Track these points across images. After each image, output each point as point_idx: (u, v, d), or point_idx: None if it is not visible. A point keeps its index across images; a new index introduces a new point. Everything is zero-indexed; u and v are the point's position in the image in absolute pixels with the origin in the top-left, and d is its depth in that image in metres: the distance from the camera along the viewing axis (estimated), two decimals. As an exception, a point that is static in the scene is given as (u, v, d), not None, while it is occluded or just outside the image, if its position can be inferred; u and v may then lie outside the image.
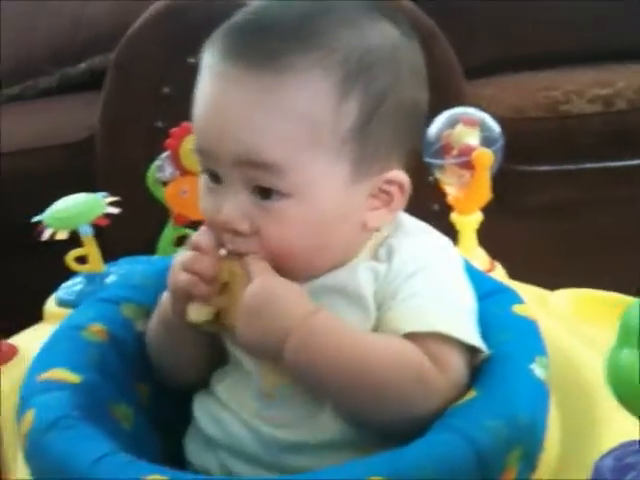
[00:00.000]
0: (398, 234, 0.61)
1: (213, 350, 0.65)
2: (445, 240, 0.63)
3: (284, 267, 0.57)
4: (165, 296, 0.64)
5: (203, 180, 0.60)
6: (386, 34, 0.57)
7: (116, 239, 1.02)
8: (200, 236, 0.60)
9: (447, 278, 0.59)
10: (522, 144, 1.24)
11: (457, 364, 0.56)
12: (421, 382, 0.54)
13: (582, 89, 1.45)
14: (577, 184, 1.41)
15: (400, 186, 0.59)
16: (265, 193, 0.56)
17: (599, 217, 1.43)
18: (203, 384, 0.66)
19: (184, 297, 0.59)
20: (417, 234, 0.61)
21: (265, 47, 0.54)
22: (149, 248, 1.01)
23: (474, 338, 0.57)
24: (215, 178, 0.58)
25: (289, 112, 0.54)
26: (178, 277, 0.59)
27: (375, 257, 0.60)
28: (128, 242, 1.10)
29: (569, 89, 1.45)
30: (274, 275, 0.57)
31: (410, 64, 0.58)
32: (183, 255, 0.60)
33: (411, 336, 0.55)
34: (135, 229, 1.26)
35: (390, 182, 0.59)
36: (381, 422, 0.56)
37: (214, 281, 0.58)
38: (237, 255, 0.58)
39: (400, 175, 0.59)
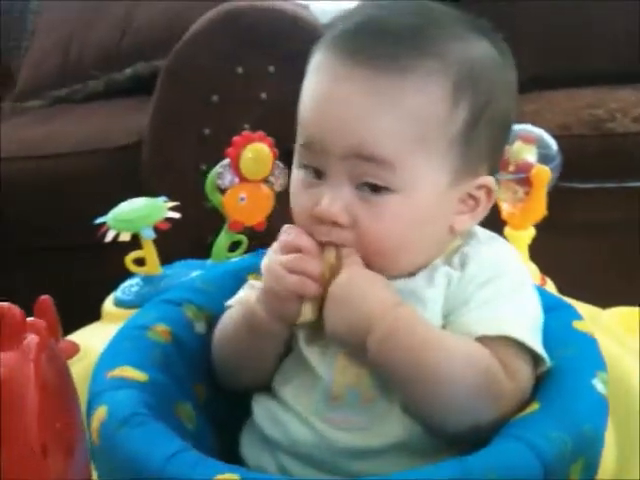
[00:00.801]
0: (472, 242, 0.63)
1: (284, 354, 0.66)
2: (513, 248, 0.64)
3: (373, 262, 0.59)
4: (253, 300, 0.64)
5: (299, 176, 0.62)
6: (487, 49, 0.61)
7: (164, 243, 1.04)
8: (297, 236, 0.61)
9: (519, 287, 0.60)
10: (567, 161, 1.25)
11: (526, 372, 0.58)
12: (491, 386, 0.55)
13: (626, 107, 1.45)
14: (622, 202, 1.41)
15: (488, 192, 0.62)
16: (374, 187, 0.58)
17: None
18: (263, 388, 0.66)
19: (294, 299, 0.60)
20: (490, 243, 0.63)
21: (386, 50, 0.57)
22: (194, 252, 1.03)
23: (540, 348, 0.59)
24: (317, 173, 0.60)
25: (405, 111, 0.57)
26: (287, 279, 0.60)
27: (449, 264, 0.62)
28: (175, 246, 1.12)
29: (613, 107, 1.45)
30: (362, 266, 0.59)
31: (506, 78, 0.62)
32: (282, 258, 0.61)
33: (483, 340, 0.57)
34: (179, 233, 1.28)
35: (480, 187, 0.62)
36: (449, 423, 0.56)
37: (322, 279, 0.59)
38: (333, 246, 0.60)
39: (490, 181, 0.62)
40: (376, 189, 0.58)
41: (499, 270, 0.60)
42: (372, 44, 0.57)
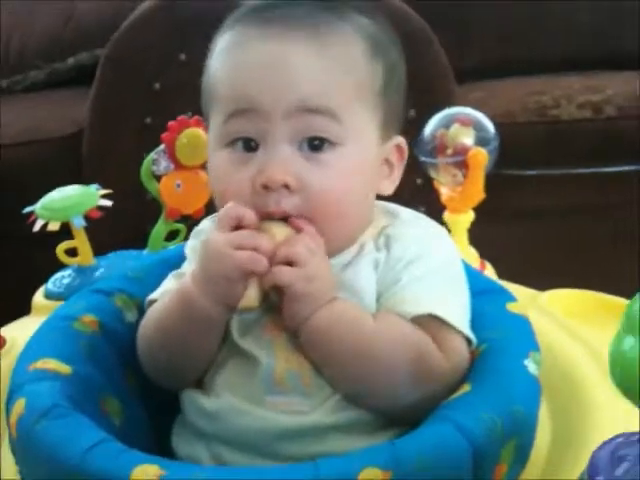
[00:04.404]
0: (395, 223, 0.63)
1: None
2: (442, 229, 0.65)
3: (325, 227, 0.59)
4: (188, 288, 0.60)
5: (223, 157, 0.60)
6: (379, 27, 0.64)
7: (103, 233, 1.02)
8: (237, 211, 0.58)
9: (444, 265, 0.61)
10: (511, 148, 1.25)
11: (459, 348, 0.59)
12: (423, 362, 0.57)
13: (572, 95, 1.46)
14: (565, 189, 1.42)
15: (401, 154, 0.65)
16: (316, 144, 0.59)
17: (586, 222, 1.44)
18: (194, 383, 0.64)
19: (240, 279, 0.57)
20: (413, 223, 0.64)
21: (307, 14, 0.60)
22: (135, 243, 1.00)
23: (464, 326, 0.59)
24: (248, 146, 0.59)
25: (340, 64, 0.59)
26: (235, 256, 0.57)
27: (376, 248, 0.62)
28: (115, 236, 1.10)
29: (559, 94, 1.47)
30: (319, 240, 0.59)
31: (399, 52, 0.66)
32: (228, 236, 0.58)
33: (414, 319, 0.58)
34: (120, 223, 1.26)
35: (394, 148, 0.65)
36: (384, 403, 0.57)
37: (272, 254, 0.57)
38: (282, 221, 0.58)
39: (402, 140, 0.65)
40: (317, 147, 0.59)
41: (423, 249, 0.61)
42: (291, 11, 0.60)
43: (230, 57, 0.61)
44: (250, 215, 0.58)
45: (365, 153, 0.61)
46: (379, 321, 0.58)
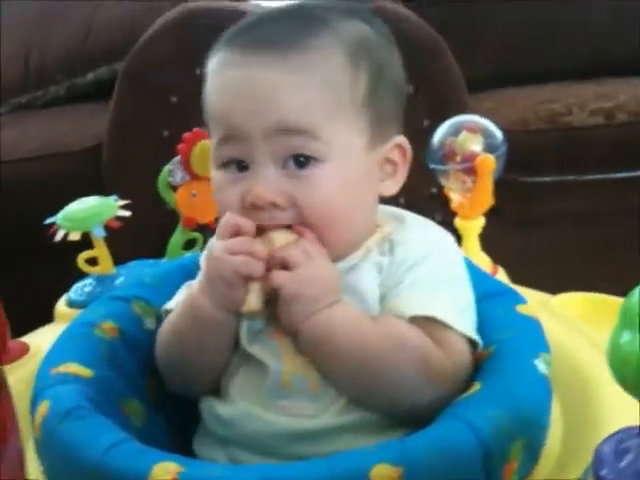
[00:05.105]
0: (401, 229, 0.65)
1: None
2: (446, 234, 0.66)
3: (323, 236, 0.60)
4: (196, 294, 0.63)
5: (220, 177, 0.62)
6: (369, 28, 0.65)
7: (122, 244, 1.04)
8: (236, 220, 0.60)
9: (448, 268, 0.62)
10: (524, 156, 1.26)
11: (460, 347, 0.59)
12: (425, 364, 0.57)
13: (584, 102, 1.46)
14: (578, 196, 1.43)
15: (403, 152, 0.65)
16: (300, 162, 0.60)
17: (600, 228, 1.44)
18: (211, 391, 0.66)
19: (239, 283, 0.59)
20: (418, 228, 0.65)
21: (285, 35, 0.61)
22: (154, 253, 1.02)
23: (466, 327, 0.60)
24: (240, 166, 0.61)
25: (315, 82, 0.60)
26: (231, 260, 0.59)
27: (380, 252, 0.63)
28: (133, 248, 1.11)
29: (571, 102, 1.47)
30: (318, 245, 0.60)
31: (392, 50, 0.66)
32: (225, 242, 0.60)
33: (414, 321, 0.59)
34: (139, 234, 1.28)
35: (394, 148, 0.65)
36: (389, 405, 0.58)
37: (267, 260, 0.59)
38: (281, 227, 0.60)
39: (402, 139, 0.65)
40: (302, 164, 0.60)
41: (427, 252, 0.62)
42: (270, 33, 0.62)
43: (214, 83, 0.63)
44: (247, 223, 0.60)
45: (351, 164, 0.61)
46: (379, 324, 0.59)
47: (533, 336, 0.62)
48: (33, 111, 1.79)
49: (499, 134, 0.87)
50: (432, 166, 0.89)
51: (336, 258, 0.62)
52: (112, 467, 0.51)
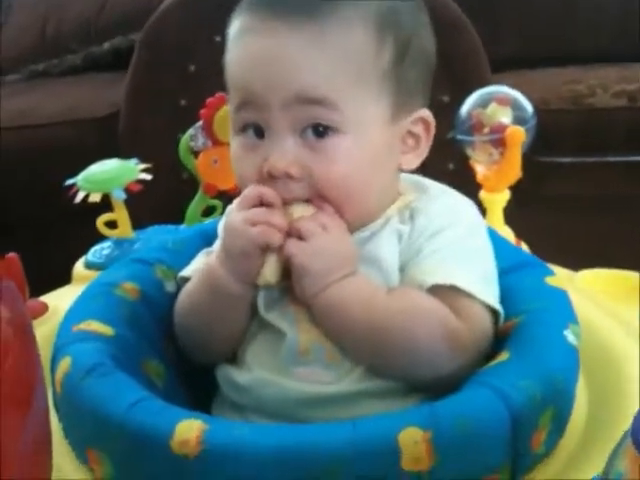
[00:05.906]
0: (423, 198, 0.64)
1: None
2: (471, 204, 0.65)
3: (339, 208, 0.59)
4: (214, 265, 0.63)
5: (238, 142, 0.62)
6: None
7: (140, 210, 1.03)
8: (259, 190, 0.60)
9: (469, 236, 0.61)
10: (545, 135, 1.24)
11: (481, 316, 0.59)
12: (443, 334, 0.57)
13: (607, 84, 1.45)
14: (599, 176, 1.41)
15: (426, 126, 0.64)
16: (319, 131, 0.59)
17: (618, 210, 1.43)
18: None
19: (256, 254, 0.59)
20: (440, 196, 0.64)
21: (305, 2, 0.59)
22: (170, 220, 1.02)
23: (490, 298, 0.59)
24: (258, 132, 0.60)
25: (337, 53, 0.58)
26: (249, 231, 0.59)
27: (401, 221, 0.63)
28: (151, 214, 1.11)
29: (594, 83, 1.46)
30: (337, 219, 0.60)
31: (422, 19, 0.65)
32: (245, 213, 0.60)
33: (434, 290, 0.58)
34: (155, 202, 1.27)
35: (417, 121, 0.63)
36: (407, 375, 0.58)
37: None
38: (301, 201, 0.59)
39: (426, 112, 0.64)
40: (320, 134, 0.59)
41: (448, 221, 0.61)
42: (292, 1, 0.60)
43: (233, 49, 0.61)
44: (270, 192, 0.59)
45: (371, 136, 0.60)
46: (395, 296, 0.59)
47: (562, 307, 0.62)
48: (50, 79, 1.79)
49: (529, 107, 0.86)
50: (459, 137, 0.87)
51: (355, 229, 0.61)
52: (136, 423, 0.51)
